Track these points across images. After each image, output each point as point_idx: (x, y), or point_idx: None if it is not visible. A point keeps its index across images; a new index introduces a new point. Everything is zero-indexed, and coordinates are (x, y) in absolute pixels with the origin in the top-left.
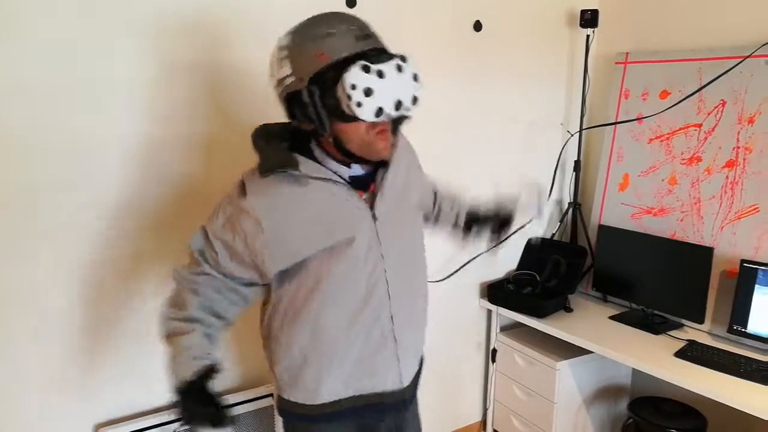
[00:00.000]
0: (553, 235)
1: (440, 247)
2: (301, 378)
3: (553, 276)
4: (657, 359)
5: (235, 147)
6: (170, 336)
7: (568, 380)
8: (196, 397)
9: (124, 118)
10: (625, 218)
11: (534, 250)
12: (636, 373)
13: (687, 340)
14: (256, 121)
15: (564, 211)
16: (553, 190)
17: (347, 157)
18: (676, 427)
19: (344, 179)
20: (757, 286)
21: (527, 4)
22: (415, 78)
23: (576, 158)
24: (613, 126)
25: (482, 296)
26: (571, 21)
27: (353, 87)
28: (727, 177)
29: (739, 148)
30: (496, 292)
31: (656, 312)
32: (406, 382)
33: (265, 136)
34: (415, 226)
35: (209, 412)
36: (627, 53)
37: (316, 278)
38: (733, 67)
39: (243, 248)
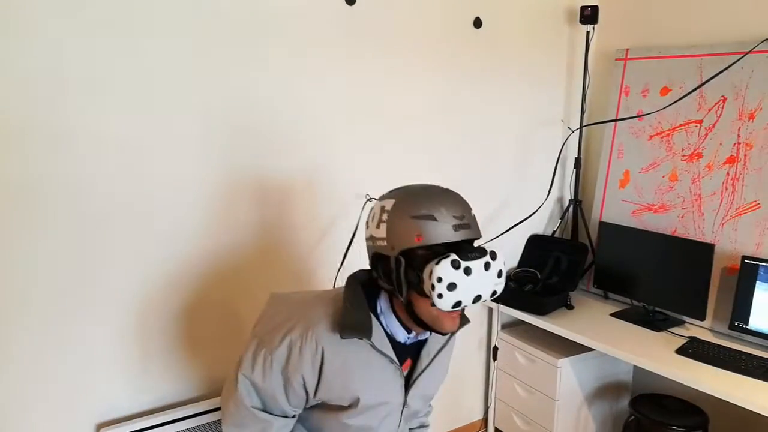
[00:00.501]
0: (554, 232)
1: None
2: None
3: (554, 273)
4: (658, 356)
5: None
6: None
7: (570, 377)
8: None
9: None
10: (625, 215)
11: (535, 248)
12: (637, 370)
13: (688, 337)
14: None
15: (565, 208)
16: (554, 187)
17: (414, 323)
18: (678, 424)
19: (394, 342)
20: (758, 282)
21: (527, 1)
22: (500, 274)
23: (576, 155)
24: (613, 123)
25: None
26: (571, 17)
27: (439, 280)
28: (727, 173)
29: (739, 144)
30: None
31: (657, 309)
32: None
33: (354, 285)
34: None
35: None
36: (627, 50)
37: (334, 422)
38: (734, 63)
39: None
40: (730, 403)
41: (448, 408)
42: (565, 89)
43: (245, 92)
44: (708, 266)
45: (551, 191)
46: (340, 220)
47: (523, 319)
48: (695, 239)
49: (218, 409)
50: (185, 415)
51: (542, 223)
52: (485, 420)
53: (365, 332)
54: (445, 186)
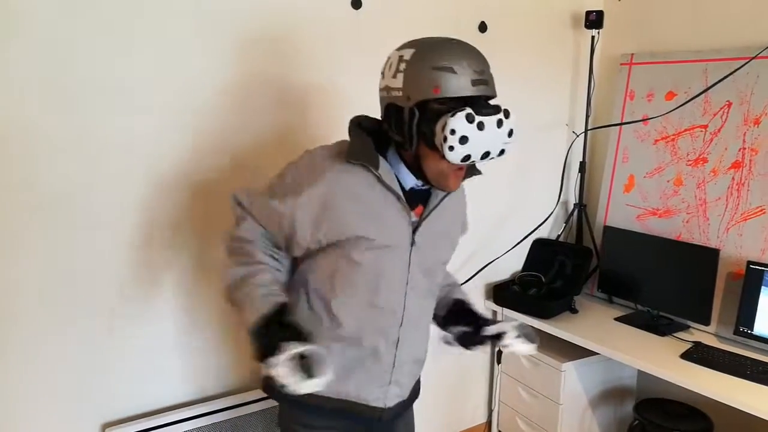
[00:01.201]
0: (559, 236)
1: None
2: None
3: (559, 277)
4: (663, 361)
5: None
6: (241, 280)
7: (574, 381)
8: (275, 327)
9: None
10: (630, 219)
11: (540, 252)
12: (641, 374)
13: (693, 342)
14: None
15: (569, 212)
16: (561, 191)
17: (418, 174)
18: (682, 429)
19: (404, 188)
20: (763, 287)
21: (532, 6)
22: (510, 134)
23: (581, 159)
24: (618, 127)
25: (488, 297)
26: (576, 22)
27: (452, 132)
28: (733, 178)
29: (745, 149)
30: (501, 294)
31: (662, 313)
32: (390, 404)
33: (358, 126)
34: (442, 267)
35: (291, 334)
36: (632, 54)
37: (344, 262)
38: (739, 68)
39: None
40: (735, 408)
41: (451, 411)
42: (570, 93)
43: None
44: (713, 271)
45: (560, 198)
46: None
47: (527, 322)
48: (700, 244)
49: (225, 409)
50: (191, 416)
51: (547, 227)
52: (489, 423)
53: (372, 161)
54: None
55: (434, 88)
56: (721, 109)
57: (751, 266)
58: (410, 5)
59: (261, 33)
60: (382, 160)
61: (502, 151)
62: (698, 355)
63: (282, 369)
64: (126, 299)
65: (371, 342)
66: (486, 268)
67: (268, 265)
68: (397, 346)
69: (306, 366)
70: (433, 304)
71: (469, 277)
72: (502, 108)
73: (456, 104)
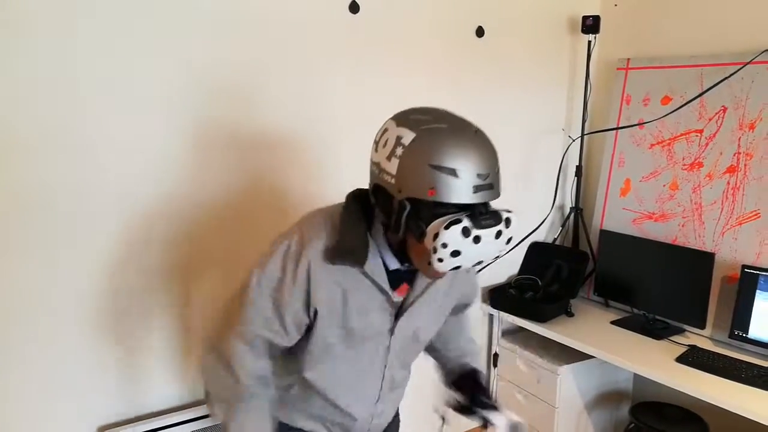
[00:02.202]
0: (555, 239)
1: None
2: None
3: (555, 281)
4: (658, 364)
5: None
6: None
7: (570, 385)
8: None
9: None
10: (626, 223)
11: (536, 255)
12: (637, 378)
13: (688, 346)
14: None
15: (566, 216)
16: (556, 195)
17: (402, 259)
18: None
19: (387, 268)
20: (758, 291)
21: (529, 10)
22: (509, 241)
23: (578, 163)
24: (614, 131)
25: (484, 301)
26: (572, 27)
27: (444, 246)
28: (728, 182)
29: (740, 153)
30: (497, 297)
31: (657, 317)
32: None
33: (353, 206)
34: (435, 326)
35: None
36: (628, 59)
37: (318, 346)
38: (734, 73)
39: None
40: (730, 411)
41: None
42: (566, 98)
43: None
44: (708, 275)
45: (555, 201)
46: None
47: (523, 326)
48: (696, 248)
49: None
50: (187, 419)
51: (543, 231)
52: (485, 427)
53: (358, 260)
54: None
55: (430, 189)
56: (716, 113)
57: (746, 270)
58: (408, 9)
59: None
60: (372, 247)
61: (496, 258)
62: (693, 358)
63: None
64: (120, 302)
65: (346, 407)
66: (482, 272)
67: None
68: (373, 417)
69: None
70: (417, 353)
71: None
72: (504, 216)
73: (452, 208)
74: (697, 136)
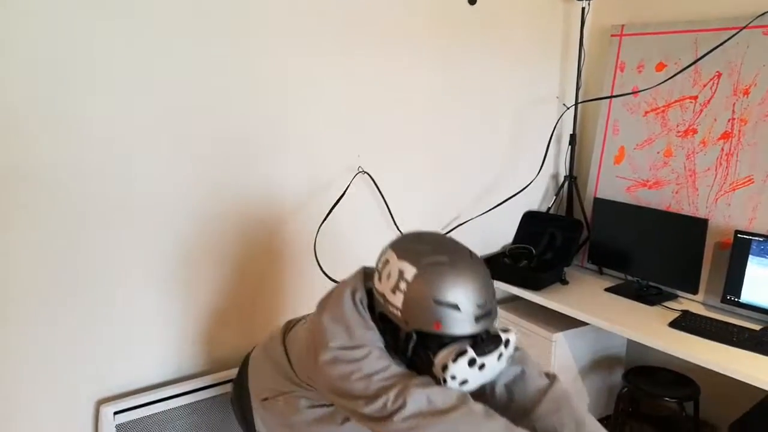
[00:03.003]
0: (549, 208)
1: (435, 217)
2: None
3: (549, 249)
4: (651, 330)
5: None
6: None
7: (564, 351)
8: None
9: None
10: (620, 191)
11: (530, 224)
12: (631, 343)
13: (681, 311)
14: None
15: (560, 184)
16: (549, 163)
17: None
18: (669, 395)
19: None
20: (750, 256)
21: None
22: (509, 358)
23: (572, 132)
24: (608, 99)
25: None
26: None
27: (453, 378)
28: (722, 149)
29: (734, 119)
30: (492, 266)
31: (651, 283)
32: None
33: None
34: None
35: None
36: (622, 26)
37: None
38: (729, 38)
39: None
40: (721, 374)
41: None
42: (560, 66)
43: (234, 59)
44: (701, 241)
45: (543, 167)
46: (329, 188)
47: (518, 294)
48: (689, 215)
49: (218, 384)
50: (185, 390)
51: (537, 200)
52: None
53: None
54: (442, 233)
55: (435, 323)
56: (710, 80)
57: (739, 235)
58: None
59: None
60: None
61: (499, 375)
62: (686, 323)
63: None
64: (118, 279)
65: None
66: (476, 240)
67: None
68: None
69: None
70: None
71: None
72: (504, 338)
73: (456, 339)
74: (691, 102)
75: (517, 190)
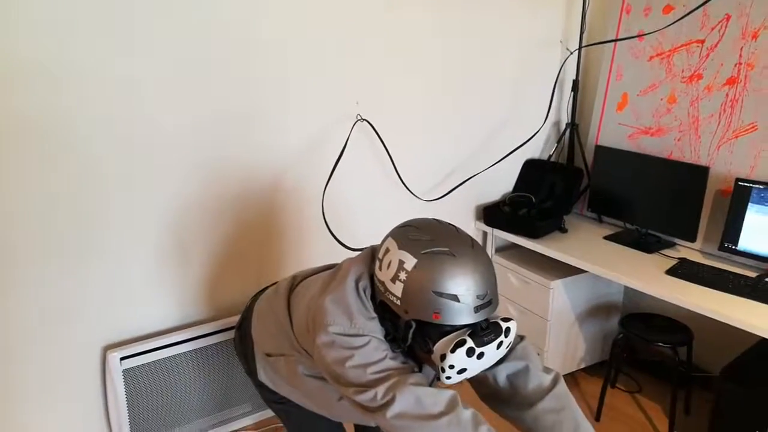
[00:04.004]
0: (550, 156)
1: (436, 166)
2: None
3: (549, 197)
4: (648, 277)
5: None
6: None
7: (562, 299)
8: None
9: None
10: (622, 138)
11: (530, 172)
12: (628, 290)
13: (678, 258)
14: None
15: (561, 132)
16: (551, 110)
17: (409, 357)
18: (663, 341)
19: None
20: (750, 204)
21: None
22: (508, 346)
23: (574, 77)
24: (612, 44)
25: (478, 218)
26: None
27: (451, 367)
28: (727, 95)
29: (741, 64)
30: (491, 214)
31: (650, 231)
32: None
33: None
34: None
35: None
36: None
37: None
38: None
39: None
40: (716, 320)
41: None
42: (564, 8)
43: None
44: (701, 189)
45: (548, 116)
46: (330, 137)
47: (517, 242)
48: (690, 162)
49: (222, 330)
50: (190, 337)
51: (538, 148)
52: None
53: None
54: (448, 223)
55: (435, 313)
56: (719, 22)
57: (740, 183)
58: None
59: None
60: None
61: (499, 362)
62: (683, 270)
63: None
64: (123, 229)
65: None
66: (476, 189)
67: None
68: None
69: None
70: None
71: (453, 187)
72: (504, 327)
73: (456, 328)
74: (698, 46)
75: (519, 137)
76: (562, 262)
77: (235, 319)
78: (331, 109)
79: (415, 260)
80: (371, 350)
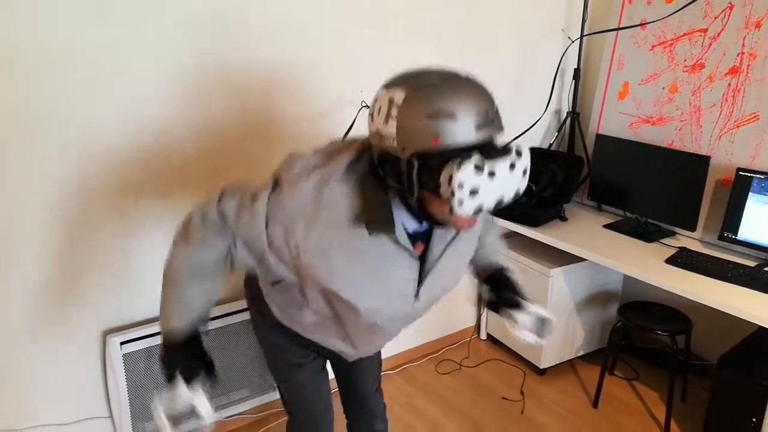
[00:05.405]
0: (551, 144)
1: None
2: (281, 316)
3: (550, 186)
4: (648, 266)
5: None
6: (167, 281)
7: (561, 287)
8: (185, 349)
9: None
10: (623, 127)
11: (531, 161)
12: (627, 279)
13: (678, 248)
14: None
15: (562, 120)
16: (552, 99)
17: (424, 216)
18: (662, 329)
19: (407, 231)
20: (750, 194)
21: None
22: (525, 173)
23: (576, 66)
24: (614, 32)
25: None
26: None
27: (460, 186)
28: (729, 84)
29: (743, 54)
30: None
31: (650, 220)
32: (362, 356)
33: (375, 185)
34: (460, 274)
35: (195, 365)
36: None
37: (331, 302)
38: None
39: (281, 243)
40: (715, 309)
41: (441, 316)
42: None
43: None
44: (702, 178)
45: (549, 104)
46: (334, 124)
47: (517, 230)
48: (692, 152)
49: (221, 316)
50: None
51: (539, 136)
52: (477, 326)
53: (389, 227)
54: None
55: (433, 138)
56: (722, 11)
57: (740, 173)
58: None
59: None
60: (396, 216)
61: (517, 194)
62: (682, 259)
63: (160, 406)
64: (126, 209)
65: (354, 345)
66: None
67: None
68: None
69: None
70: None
71: None
72: (513, 147)
73: (460, 151)
74: (701, 35)
75: (520, 126)
76: (561, 250)
77: (234, 305)
78: (335, 97)
79: (404, 93)
80: (256, 215)
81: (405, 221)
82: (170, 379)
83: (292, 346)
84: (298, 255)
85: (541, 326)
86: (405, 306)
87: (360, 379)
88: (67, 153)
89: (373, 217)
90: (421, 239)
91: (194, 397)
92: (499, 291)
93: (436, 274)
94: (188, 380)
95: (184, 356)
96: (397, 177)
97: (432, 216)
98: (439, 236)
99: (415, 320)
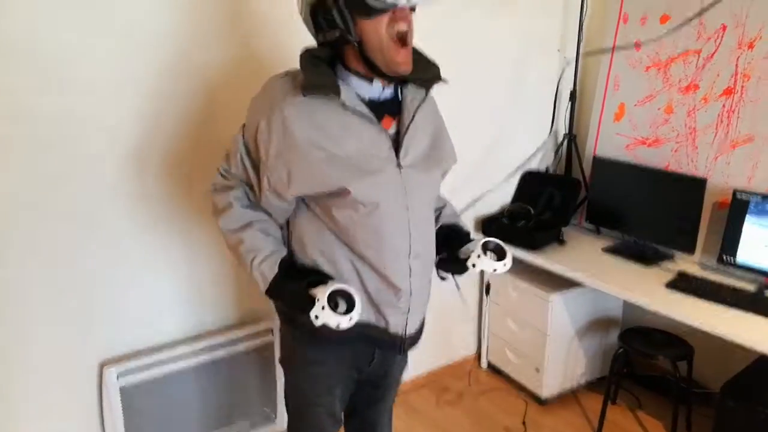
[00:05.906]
0: (548, 167)
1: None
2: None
3: (547, 209)
4: (647, 291)
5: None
6: (236, 251)
7: (561, 312)
8: (289, 283)
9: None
10: (619, 149)
11: (529, 184)
12: (627, 304)
13: (677, 272)
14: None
15: (559, 143)
16: (554, 122)
17: (370, 70)
18: (663, 355)
19: (367, 101)
20: (748, 216)
21: None
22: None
23: (572, 88)
24: (610, 54)
25: (477, 230)
26: None
27: None
28: (723, 105)
29: (737, 74)
30: (490, 226)
31: (648, 243)
32: (409, 333)
33: (312, 57)
34: (436, 184)
35: (312, 279)
36: None
37: (337, 215)
38: None
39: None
40: (715, 335)
41: (441, 344)
42: (562, 17)
43: None
44: (699, 201)
45: (544, 126)
46: None
47: (515, 255)
48: (688, 173)
49: (223, 345)
50: (191, 351)
51: (536, 159)
52: (478, 355)
53: (332, 88)
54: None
55: None
56: (715, 32)
57: (737, 195)
58: None
59: None
60: (341, 85)
61: None
62: (682, 284)
63: (324, 316)
64: (123, 236)
65: (387, 274)
66: (475, 202)
67: (252, 224)
68: (410, 272)
69: (340, 303)
70: (433, 228)
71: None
72: None
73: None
74: (694, 56)
75: (517, 148)
76: (560, 274)
77: (236, 334)
78: None
79: None
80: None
81: (359, 89)
82: (304, 309)
83: (324, 368)
84: (269, 151)
85: (492, 249)
86: (391, 174)
87: (376, 409)
88: (64, 183)
89: (311, 82)
90: (388, 112)
91: (333, 286)
92: (450, 247)
93: (411, 133)
94: (315, 285)
95: (299, 281)
96: (331, 19)
97: (374, 60)
98: (407, 106)
99: (421, 200)
